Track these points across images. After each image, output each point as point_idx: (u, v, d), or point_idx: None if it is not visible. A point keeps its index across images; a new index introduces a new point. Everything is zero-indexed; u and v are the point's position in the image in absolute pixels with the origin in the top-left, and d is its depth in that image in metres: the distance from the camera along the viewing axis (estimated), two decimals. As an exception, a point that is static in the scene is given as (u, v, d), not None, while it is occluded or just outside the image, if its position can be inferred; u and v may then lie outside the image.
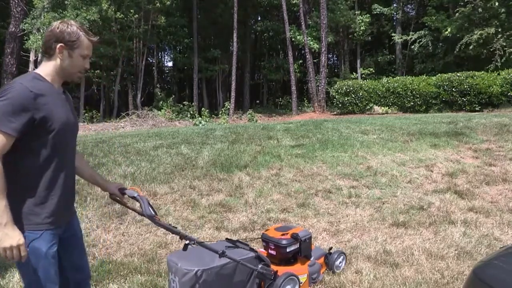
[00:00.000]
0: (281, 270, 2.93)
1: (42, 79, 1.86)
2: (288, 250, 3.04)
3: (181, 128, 13.41)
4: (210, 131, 9.57)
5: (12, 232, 1.70)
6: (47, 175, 1.84)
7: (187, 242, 2.36)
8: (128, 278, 3.29)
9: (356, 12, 26.85)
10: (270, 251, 3.10)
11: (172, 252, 3.25)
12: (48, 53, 1.88)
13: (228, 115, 20.28)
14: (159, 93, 24.59)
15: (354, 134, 8.39)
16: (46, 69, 1.90)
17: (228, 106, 21.19)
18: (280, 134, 8.70)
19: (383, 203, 5.05)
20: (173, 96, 25.00)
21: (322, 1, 19.78)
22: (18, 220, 1.80)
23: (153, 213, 2.13)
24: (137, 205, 2.19)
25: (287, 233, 3.11)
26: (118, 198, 2.28)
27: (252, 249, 2.87)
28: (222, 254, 2.56)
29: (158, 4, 19.58)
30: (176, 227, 2.44)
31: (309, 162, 6.50)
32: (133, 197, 2.18)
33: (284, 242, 3.03)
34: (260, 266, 2.79)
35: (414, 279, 3.19)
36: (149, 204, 2.13)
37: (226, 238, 3.13)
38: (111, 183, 2.29)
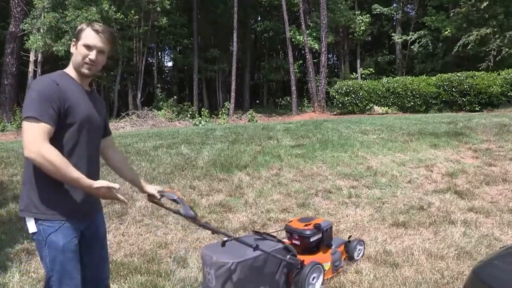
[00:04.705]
0: (307, 259, 3.04)
1: (67, 75, 1.97)
2: (311, 240, 3.18)
3: (181, 128, 13.42)
4: (210, 131, 9.57)
5: (97, 183, 1.84)
6: None
7: (225, 238, 2.53)
8: (128, 278, 3.29)
9: (356, 12, 26.84)
10: (294, 241, 3.22)
11: (206, 245, 3.27)
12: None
13: (228, 115, 20.26)
14: (159, 93, 24.57)
15: (354, 134, 8.39)
16: (69, 66, 2.01)
17: (228, 106, 21.17)
18: (280, 134, 8.70)
19: (383, 203, 5.05)
20: (175, 97, 24.96)
21: (322, 1, 19.77)
22: (36, 208, 1.85)
23: (194, 214, 2.23)
24: (172, 206, 2.28)
25: (310, 224, 3.24)
26: (155, 200, 2.35)
27: (279, 241, 2.98)
28: (256, 248, 2.67)
29: (158, 7, 19.55)
30: (215, 226, 2.56)
31: (309, 162, 6.50)
32: (173, 200, 2.27)
33: (308, 232, 3.17)
34: (288, 256, 2.89)
35: (414, 279, 3.19)
36: (189, 206, 2.24)
37: (253, 231, 3.28)
38: (150, 186, 2.36)
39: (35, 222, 1.87)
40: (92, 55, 1.95)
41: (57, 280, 1.87)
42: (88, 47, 1.94)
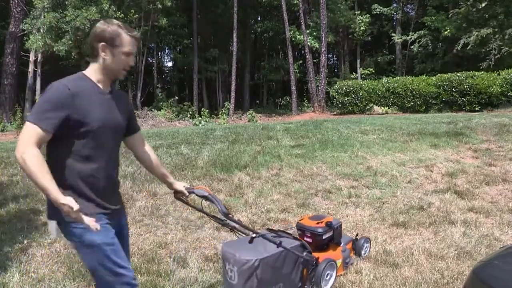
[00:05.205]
0: (321, 256, 3.11)
1: (86, 78, 1.93)
2: (324, 237, 3.26)
3: (181, 128, 13.43)
4: (210, 131, 9.58)
5: (63, 199, 1.71)
6: (83, 172, 1.88)
7: (253, 235, 2.59)
8: (128, 278, 3.28)
9: (356, 12, 26.84)
10: (306, 238, 3.27)
11: (224, 243, 3.28)
12: (92, 53, 1.95)
13: (228, 115, 20.25)
14: (159, 93, 24.58)
15: (354, 134, 8.39)
16: (91, 69, 1.96)
17: (228, 106, 21.16)
18: (280, 134, 8.71)
19: (383, 203, 5.05)
20: (176, 98, 24.94)
21: (322, 1, 19.77)
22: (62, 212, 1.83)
23: (227, 211, 2.22)
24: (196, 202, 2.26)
25: (321, 222, 3.33)
26: (181, 198, 2.38)
27: (295, 238, 3.04)
28: (279, 245, 2.73)
29: (159, 5, 19.55)
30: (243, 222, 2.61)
31: (309, 162, 6.50)
32: (204, 197, 2.24)
33: (320, 230, 3.25)
34: (305, 253, 2.94)
35: (414, 279, 3.19)
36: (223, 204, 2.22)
37: (268, 228, 3.32)
38: (178, 183, 2.38)
39: (64, 226, 1.87)
40: (131, 61, 1.96)
41: (111, 274, 1.88)
42: (129, 54, 1.94)
